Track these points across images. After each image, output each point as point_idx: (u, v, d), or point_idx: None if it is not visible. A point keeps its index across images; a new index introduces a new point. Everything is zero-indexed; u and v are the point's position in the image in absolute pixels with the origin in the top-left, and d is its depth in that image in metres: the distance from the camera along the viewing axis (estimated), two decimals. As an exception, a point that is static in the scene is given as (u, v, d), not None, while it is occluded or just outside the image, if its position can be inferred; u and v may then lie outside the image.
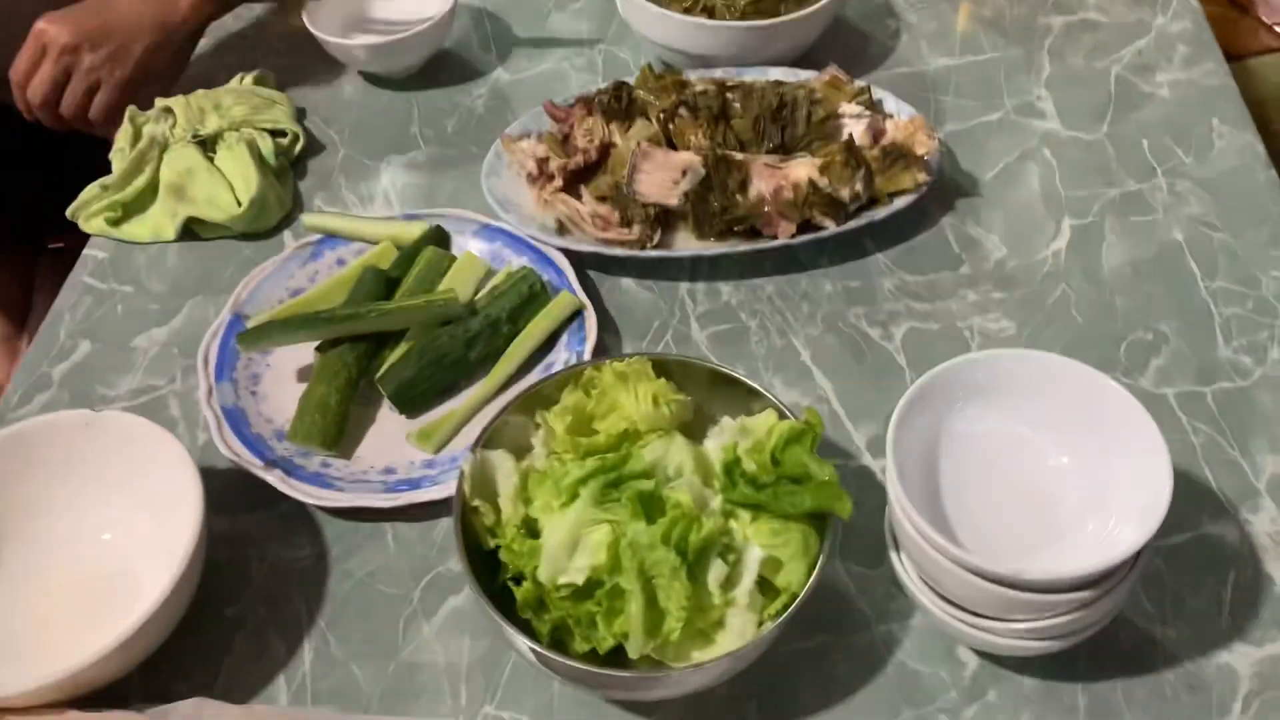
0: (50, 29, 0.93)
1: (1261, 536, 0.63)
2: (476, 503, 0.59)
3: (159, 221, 0.85)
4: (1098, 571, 0.50)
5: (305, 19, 0.94)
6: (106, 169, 0.87)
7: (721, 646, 0.54)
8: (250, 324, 0.72)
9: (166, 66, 0.99)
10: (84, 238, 0.88)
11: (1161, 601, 0.60)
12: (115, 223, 0.86)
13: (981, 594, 0.52)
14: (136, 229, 0.86)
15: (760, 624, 0.55)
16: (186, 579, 0.57)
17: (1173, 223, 0.81)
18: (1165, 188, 0.83)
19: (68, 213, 0.87)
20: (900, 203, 0.79)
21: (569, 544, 0.56)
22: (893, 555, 0.59)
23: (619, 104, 0.83)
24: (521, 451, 0.62)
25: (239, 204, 0.83)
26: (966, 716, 0.57)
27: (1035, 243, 0.80)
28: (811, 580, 0.54)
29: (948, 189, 0.84)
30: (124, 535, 0.63)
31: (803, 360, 0.74)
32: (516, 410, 0.63)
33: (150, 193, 0.86)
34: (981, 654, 0.59)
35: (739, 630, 0.55)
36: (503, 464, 0.60)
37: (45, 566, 0.63)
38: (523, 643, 0.53)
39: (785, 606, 0.55)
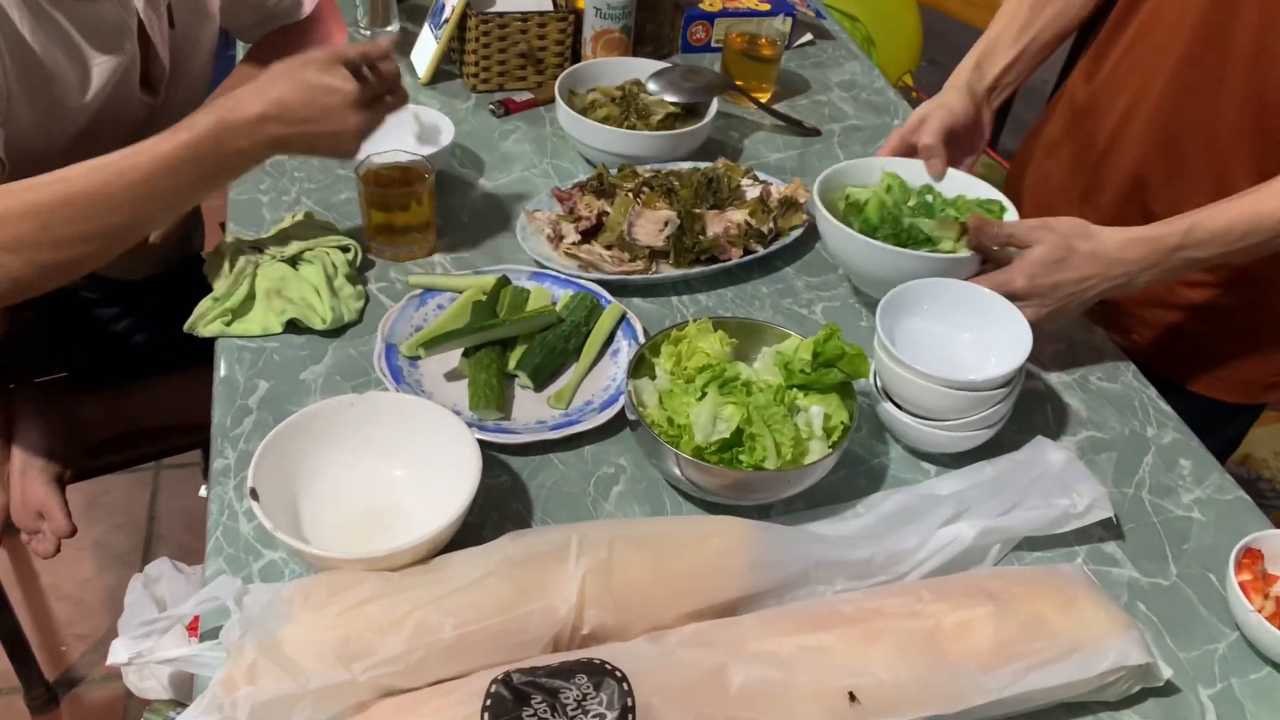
0: None
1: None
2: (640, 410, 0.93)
3: (266, 319, 1.06)
4: (1011, 371, 0.94)
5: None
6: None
7: (813, 460, 0.92)
8: (413, 341, 1.01)
9: None
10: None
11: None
12: (228, 323, 1.07)
13: (946, 398, 0.93)
14: (248, 326, 1.06)
15: (829, 448, 0.92)
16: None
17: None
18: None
19: (185, 327, 1.06)
20: (795, 234, 1.23)
21: (711, 417, 0.91)
22: (883, 405, 0.99)
23: (601, 186, 1.21)
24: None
25: (323, 319, 1.06)
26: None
27: (876, 252, 1.26)
28: (855, 418, 0.93)
29: (814, 228, 1.29)
30: (399, 477, 0.90)
31: (766, 333, 1.13)
32: (639, 360, 0.97)
33: (251, 299, 1.07)
34: (937, 460, 1.00)
35: (819, 452, 0.92)
36: (646, 388, 0.95)
37: (337, 503, 0.88)
38: (691, 464, 0.87)
39: (840, 438, 0.93)
